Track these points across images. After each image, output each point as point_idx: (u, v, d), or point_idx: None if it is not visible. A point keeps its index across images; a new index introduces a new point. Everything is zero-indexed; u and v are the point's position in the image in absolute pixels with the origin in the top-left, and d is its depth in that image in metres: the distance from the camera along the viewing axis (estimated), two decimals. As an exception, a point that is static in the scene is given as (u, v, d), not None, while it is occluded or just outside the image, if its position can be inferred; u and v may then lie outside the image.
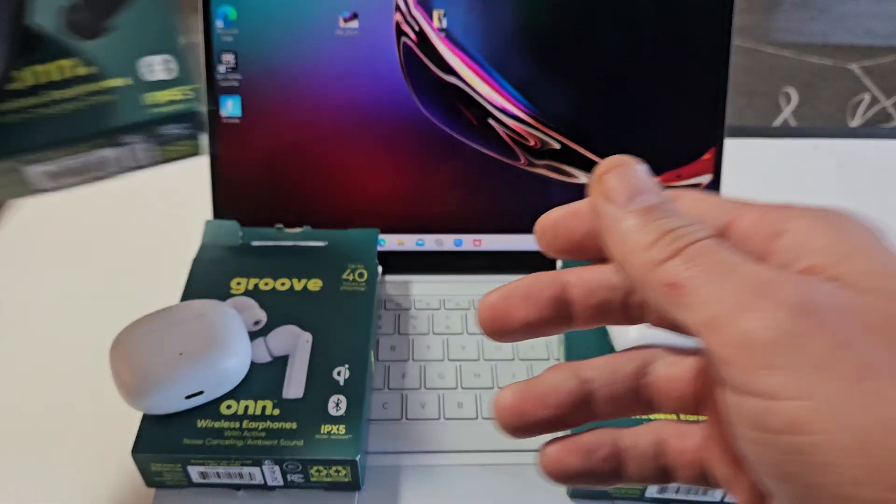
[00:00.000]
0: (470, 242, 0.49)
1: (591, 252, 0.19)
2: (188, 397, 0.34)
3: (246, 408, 0.36)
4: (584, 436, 0.20)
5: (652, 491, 0.36)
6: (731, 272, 0.15)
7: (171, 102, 0.26)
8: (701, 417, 0.19)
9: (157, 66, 0.26)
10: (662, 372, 0.19)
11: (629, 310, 0.19)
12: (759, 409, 0.14)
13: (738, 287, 0.14)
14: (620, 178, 0.17)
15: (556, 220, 0.19)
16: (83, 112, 0.25)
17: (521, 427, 0.19)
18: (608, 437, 0.20)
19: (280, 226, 0.46)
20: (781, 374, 0.13)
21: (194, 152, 0.28)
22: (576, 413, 0.19)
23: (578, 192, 0.48)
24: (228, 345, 0.35)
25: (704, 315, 0.15)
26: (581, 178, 0.48)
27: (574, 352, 0.39)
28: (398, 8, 0.45)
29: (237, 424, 0.35)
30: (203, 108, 0.32)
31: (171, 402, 0.34)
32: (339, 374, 0.37)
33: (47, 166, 0.25)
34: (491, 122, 0.47)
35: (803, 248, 0.15)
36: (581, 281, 0.20)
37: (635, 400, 0.19)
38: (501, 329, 0.19)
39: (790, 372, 0.13)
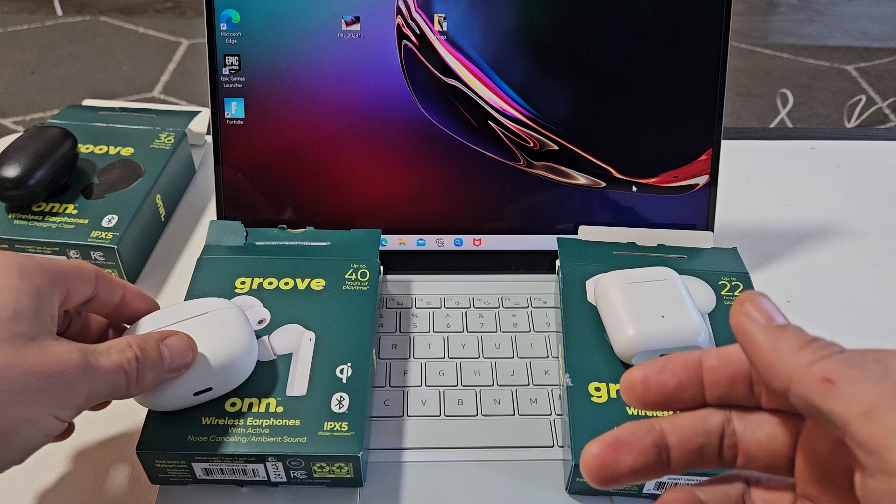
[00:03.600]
0: (470, 242, 0.49)
1: (681, 403, 0.22)
2: (196, 394, 0.35)
3: (250, 405, 0.36)
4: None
5: (650, 486, 0.36)
6: (882, 377, 0.17)
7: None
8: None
9: None
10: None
11: (724, 451, 0.22)
12: None
13: (890, 389, 0.17)
14: (759, 305, 0.21)
15: (647, 376, 0.22)
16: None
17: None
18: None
19: (283, 226, 0.47)
20: None
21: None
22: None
23: (577, 192, 0.49)
24: (238, 341, 0.36)
25: (860, 407, 0.17)
26: (579, 179, 0.48)
27: (573, 349, 0.40)
28: (399, 11, 0.46)
29: (241, 421, 0.35)
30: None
31: (180, 398, 0.35)
32: (341, 371, 0.38)
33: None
34: (490, 123, 0.47)
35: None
36: (676, 428, 0.22)
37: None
38: (609, 477, 0.21)
39: None
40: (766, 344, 0.20)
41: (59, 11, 1.95)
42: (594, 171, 0.48)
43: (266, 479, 0.36)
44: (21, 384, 0.26)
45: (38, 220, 0.47)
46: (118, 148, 0.53)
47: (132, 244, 0.48)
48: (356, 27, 0.46)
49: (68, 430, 0.34)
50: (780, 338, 0.20)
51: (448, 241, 0.49)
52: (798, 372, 0.19)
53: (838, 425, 0.17)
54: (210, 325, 0.36)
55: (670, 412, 0.22)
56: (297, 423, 0.36)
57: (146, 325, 0.35)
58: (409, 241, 0.49)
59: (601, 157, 0.48)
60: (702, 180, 0.48)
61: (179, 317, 0.36)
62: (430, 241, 0.49)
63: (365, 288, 0.42)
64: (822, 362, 0.18)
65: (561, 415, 0.40)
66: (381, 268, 0.44)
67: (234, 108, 0.47)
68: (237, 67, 0.47)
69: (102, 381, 0.29)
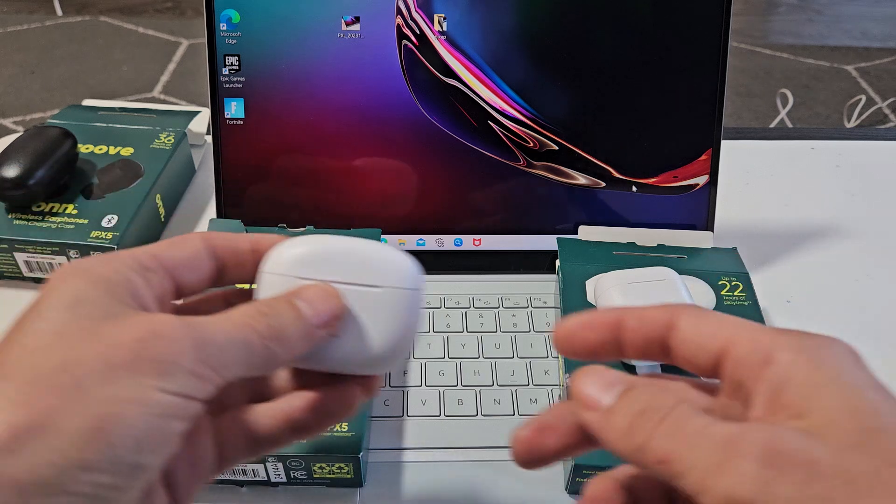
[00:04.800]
0: (470, 242, 0.49)
1: (604, 357, 0.23)
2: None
3: (250, 405, 0.36)
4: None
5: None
6: (703, 436, 0.18)
7: None
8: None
9: None
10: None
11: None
12: None
13: (711, 450, 0.17)
14: (589, 382, 0.21)
15: (573, 331, 0.23)
16: None
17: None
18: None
19: (283, 226, 0.47)
20: None
21: None
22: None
23: (576, 192, 0.49)
24: (402, 341, 0.32)
25: (694, 481, 0.17)
26: (579, 179, 0.48)
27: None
28: (399, 11, 0.46)
29: (241, 421, 0.35)
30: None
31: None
32: (341, 371, 0.38)
33: None
34: (490, 123, 0.47)
35: (786, 381, 0.18)
36: None
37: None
38: (536, 458, 0.22)
39: None
40: (605, 433, 0.20)
41: (59, 11, 1.95)
42: (594, 171, 0.48)
43: (266, 479, 0.36)
44: (99, 363, 0.20)
45: (37, 220, 0.47)
46: (118, 148, 0.53)
47: (132, 244, 0.48)
48: (356, 27, 0.46)
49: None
50: (612, 424, 0.20)
51: (448, 241, 0.49)
52: (639, 460, 0.19)
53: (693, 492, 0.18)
54: (378, 304, 0.25)
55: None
56: (297, 423, 0.36)
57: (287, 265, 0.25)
58: (408, 241, 0.49)
59: (601, 157, 0.48)
60: (702, 180, 0.48)
61: (342, 273, 0.25)
62: (430, 241, 0.49)
63: (365, 288, 0.42)
64: (652, 442, 0.19)
65: (561, 415, 0.40)
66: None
67: (234, 108, 0.47)
68: (237, 67, 0.47)
69: (222, 340, 0.21)
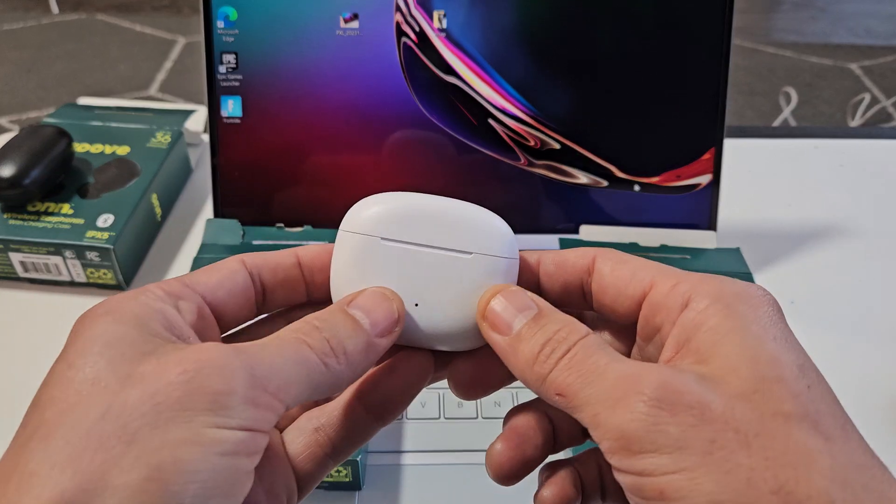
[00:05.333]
0: (470, 242, 0.49)
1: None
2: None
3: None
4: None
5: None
6: (602, 374, 0.18)
7: None
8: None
9: None
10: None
11: None
12: (638, 484, 0.17)
13: (607, 387, 0.18)
14: (502, 303, 0.21)
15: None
16: None
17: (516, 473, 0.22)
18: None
19: (281, 225, 0.46)
20: (650, 456, 0.17)
21: None
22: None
23: (579, 191, 0.48)
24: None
25: (588, 416, 0.18)
26: (581, 178, 0.48)
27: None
28: (398, 8, 0.45)
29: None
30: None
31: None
32: (339, 374, 0.37)
33: None
34: (491, 122, 0.47)
35: (697, 326, 0.19)
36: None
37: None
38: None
39: (657, 454, 0.17)
40: (510, 359, 0.20)
41: (55, 9, 1.94)
42: (596, 170, 0.48)
43: (263, 483, 0.36)
44: (146, 405, 0.17)
45: (33, 220, 0.47)
46: (114, 147, 0.52)
47: (128, 244, 0.47)
48: (354, 24, 0.45)
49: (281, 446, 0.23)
50: (518, 351, 0.20)
51: (448, 241, 0.49)
52: (539, 390, 0.20)
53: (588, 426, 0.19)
54: (467, 272, 0.22)
55: None
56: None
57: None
58: (408, 241, 0.49)
59: (603, 156, 0.47)
60: (705, 179, 0.48)
61: (429, 235, 0.23)
62: (430, 241, 0.49)
63: (363, 289, 0.41)
64: (553, 373, 0.19)
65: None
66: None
67: (231, 107, 0.47)
68: (234, 65, 0.46)
69: (277, 361, 0.19)
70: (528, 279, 0.23)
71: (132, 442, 0.17)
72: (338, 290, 0.23)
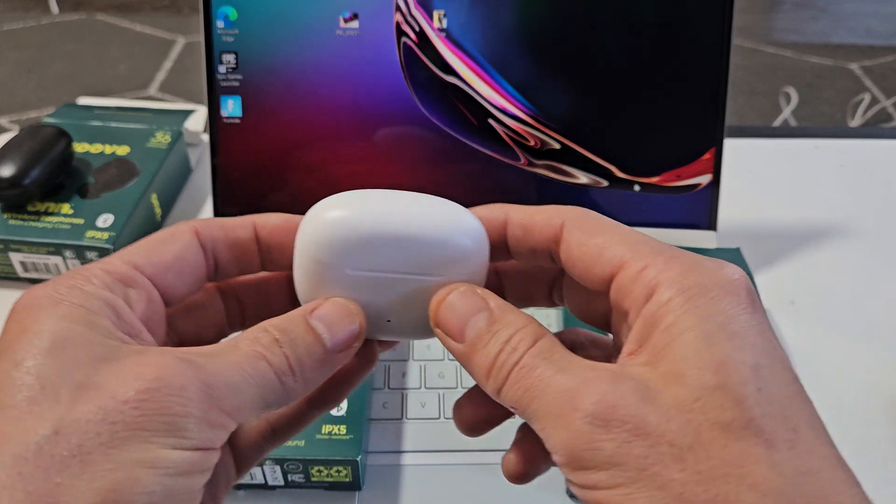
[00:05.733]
0: (470, 242, 0.49)
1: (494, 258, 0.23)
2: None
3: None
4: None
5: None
6: (545, 388, 0.18)
7: None
8: None
9: None
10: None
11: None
12: (585, 496, 0.18)
13: (549, 403, 0.18)
14: (453, 307, 0.21)
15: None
16: None
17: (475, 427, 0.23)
18: None
19: (280, 226, 0.46)
20: (592, 472, 0.17)
21: None
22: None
23: (579, 191, 0.48)
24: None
25: (538, 429, 0.18)
26: (581, 178, 0.48)
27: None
28: (398, 8, 0.45)
29: (238, 424, 0.35)
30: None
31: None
32: (339, 374, 0.37)
33: None
34: (491, 122, 0.47)
35: (657, 320, 0.18)
36: None
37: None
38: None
39: (596, 471, 0.17)
40: (469, 369, 0.20)
41: (55, 9, 1.94)
42: (596, 170, 0.48)
43: (263, 482, 0.36)
44: (101, 424, 0.17)
45: (33, 220, 0.47)
46: (114, 147, 0.52)
47: (128, 244, 0.47)
48: (354, 24, 0.45)
49: (244, 462, 0.23)
50: (474, 362, 0.20)
51: (448, 241, 0.49)
52: (497, 399, 0.20)
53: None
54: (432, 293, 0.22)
55: None
56: (294, 426, 0.35)
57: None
58: (408, 241, 0.49)
59: (603, 156, 0.47)
60: (705, 179, 0.48)
61: (397, 262, 0.22)
62: (430, 241, 0.49)
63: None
64: (504, 389, 0.19)
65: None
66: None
67: (231, 107, 0.47)
68: (234, 65, 0.46)
69: (235, 380, 0.19)
70: (496, 243, 0.22)
71: (88, 462, 0.16)
72: (303, 293, 0.22)
